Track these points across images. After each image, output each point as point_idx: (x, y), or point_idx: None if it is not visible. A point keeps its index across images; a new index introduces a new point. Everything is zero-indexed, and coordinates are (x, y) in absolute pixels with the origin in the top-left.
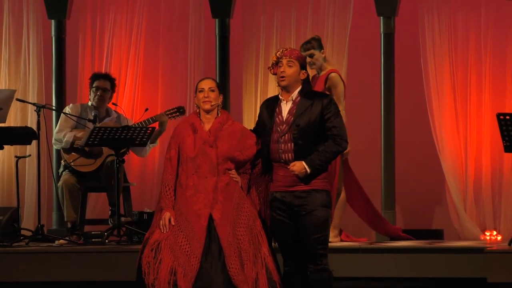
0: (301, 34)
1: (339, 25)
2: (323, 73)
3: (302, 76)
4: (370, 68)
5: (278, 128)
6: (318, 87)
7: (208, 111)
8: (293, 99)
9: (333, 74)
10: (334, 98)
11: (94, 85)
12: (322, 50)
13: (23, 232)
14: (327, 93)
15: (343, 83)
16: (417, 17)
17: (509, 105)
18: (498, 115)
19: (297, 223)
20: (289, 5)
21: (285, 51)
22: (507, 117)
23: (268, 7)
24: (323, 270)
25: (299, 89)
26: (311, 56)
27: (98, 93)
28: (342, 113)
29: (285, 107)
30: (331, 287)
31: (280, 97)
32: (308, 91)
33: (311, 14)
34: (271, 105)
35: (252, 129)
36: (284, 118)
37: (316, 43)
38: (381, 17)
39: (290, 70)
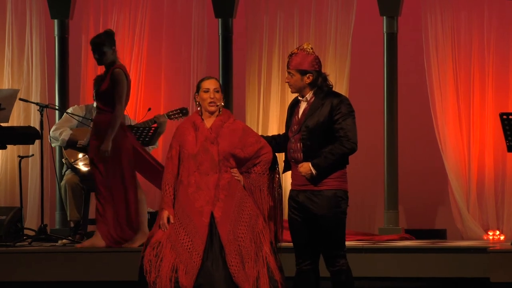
0: (304, 34)
1: (342, 25)
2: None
3: (307, 80)
4: (373, 68)
5: (293, 128)
6: (105, 83)
7: (213, 113)
8: (308, 99)
9: (117, 70)
10: (115, 96)
11: None
12: (113, 47)
13: (26, 232)
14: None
15: (128, 81)
16: (420, 16)
17: None
18: (501, 114)
19: (310, 224)
20: (292, 5)
21: (288, 60)
22: (510, 117)
23: (271, 7)
24: (340, 272)
25: (313, 90)
26: (100, 51)
27: None
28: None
29: (302, 108)
30: (352, 287)
31: (299, 98)
32: (323, 92)
33: (314, 14)
34: (294, 105)
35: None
36: (298, 118)
37: (107, 38)
38: (384, 17)
39: (291, 79)
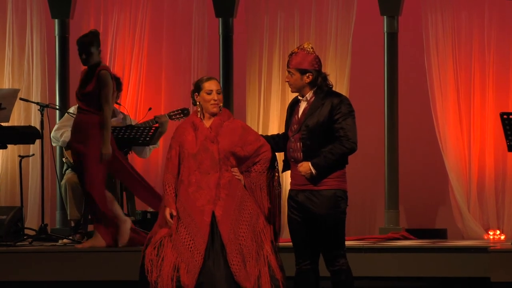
0: (305, 33)
1: (342, 25)
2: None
3: (307, 79)
4: (373, 67)
5: (293, 127)
6: (91, 84)
7: (215, 114)
8: (308, 99)
9: (103, 72)
10: (102, 98)
11: None
12: (99, 48)
13: (26, 231)
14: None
15: (114, 82)
16: (420, 16)
17: None
18: (502, 114)
19: (309, 224)
20: (292, 4)
21: (288, 59)
22: (511, 116)
23: (271, 7)
24: (340, 271)
25: (313, 90)
26: (87, 52)
27: None
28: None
29: (302, 107)
30: (352, 286)
31: (299, 97)
32: (323, 92)
33: (315, 13)
34: (294, 104)
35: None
36: (298, 118)
37: (95, 38)
38: (385, 17)
39: (291, 79)
